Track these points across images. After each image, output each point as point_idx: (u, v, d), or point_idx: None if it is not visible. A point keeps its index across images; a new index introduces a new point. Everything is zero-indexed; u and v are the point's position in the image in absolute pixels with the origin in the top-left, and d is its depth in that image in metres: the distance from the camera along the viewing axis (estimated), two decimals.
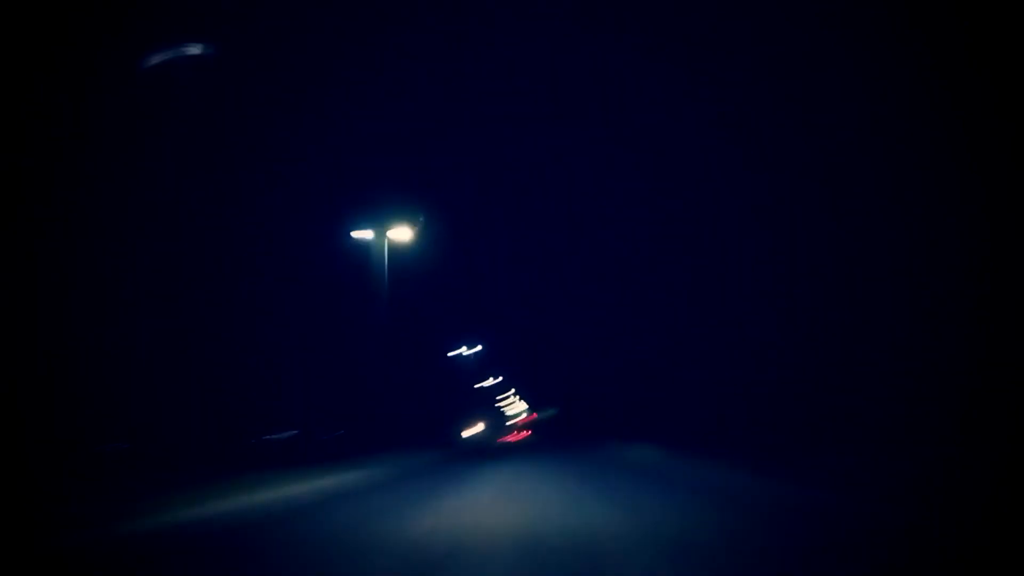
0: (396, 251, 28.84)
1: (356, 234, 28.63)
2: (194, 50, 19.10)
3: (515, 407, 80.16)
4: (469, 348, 50.97)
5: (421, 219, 28.67)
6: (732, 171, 21.99)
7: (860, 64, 15.57)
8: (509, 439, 63.18)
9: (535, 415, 71.39)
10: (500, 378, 67.99)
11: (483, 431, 57.02)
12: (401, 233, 28.42)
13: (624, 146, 32.78)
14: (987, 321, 13.17)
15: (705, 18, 20.55)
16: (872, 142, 15.93)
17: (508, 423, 72.27)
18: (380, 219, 28.43)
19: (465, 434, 50.90)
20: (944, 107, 13.66)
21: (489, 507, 9.19)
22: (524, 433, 65.93)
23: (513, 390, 78.35)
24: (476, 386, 58.39)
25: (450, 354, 48.46)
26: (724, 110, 21.74)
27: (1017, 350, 12.55)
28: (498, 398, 74.40)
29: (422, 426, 41.76)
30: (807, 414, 19.11)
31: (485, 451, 34.10)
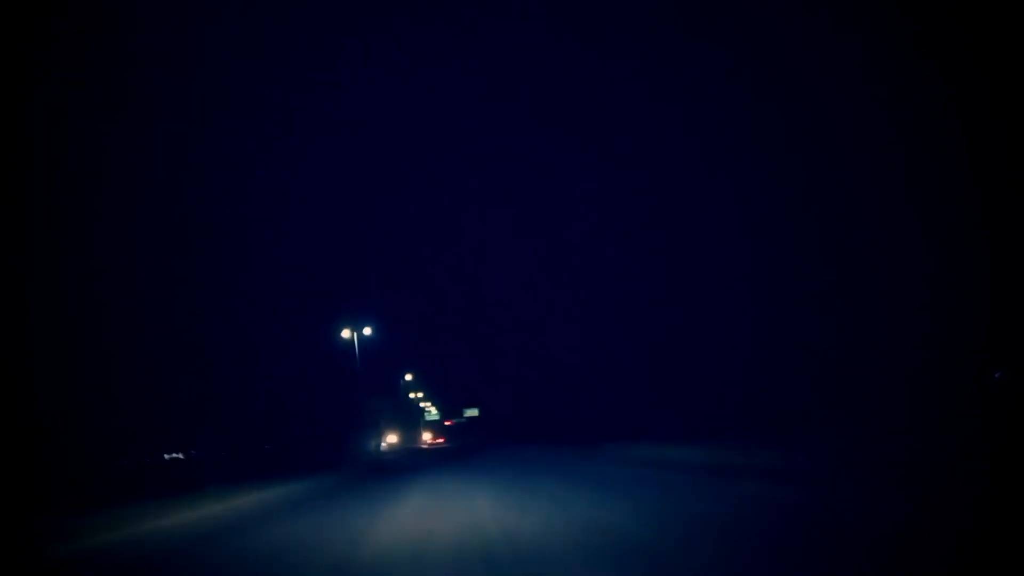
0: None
1: None
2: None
3: (430, 411, 78.15)
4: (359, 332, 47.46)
5: None
6: (703, 165, 23.17)
7: (848, 66, 15.78)
8: (424, 445, 61.43)
9: (451, 421, 69.65)
10: (417, 388, 65.78)
11: (397, 441, 54.31)
12: None
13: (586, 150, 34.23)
14: (982, 316, 13.55)
15: (694, 17, 21.25)
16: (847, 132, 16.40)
17: (423, 429, 70.20)
18: None
19: (378, 445, 48.10)
20: (940, 107, 13.87)
21: None
22: (439, 439, 64.32)
23: (423, 395, 76.26)
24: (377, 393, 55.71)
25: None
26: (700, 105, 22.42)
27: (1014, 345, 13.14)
28: (411, 402, 72.13)
29: (325, 443, 39.39)
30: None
31: (399, 463, 32.02)
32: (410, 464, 30.76)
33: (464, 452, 37.94)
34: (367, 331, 41.35)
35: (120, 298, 26.23)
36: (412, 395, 70.98)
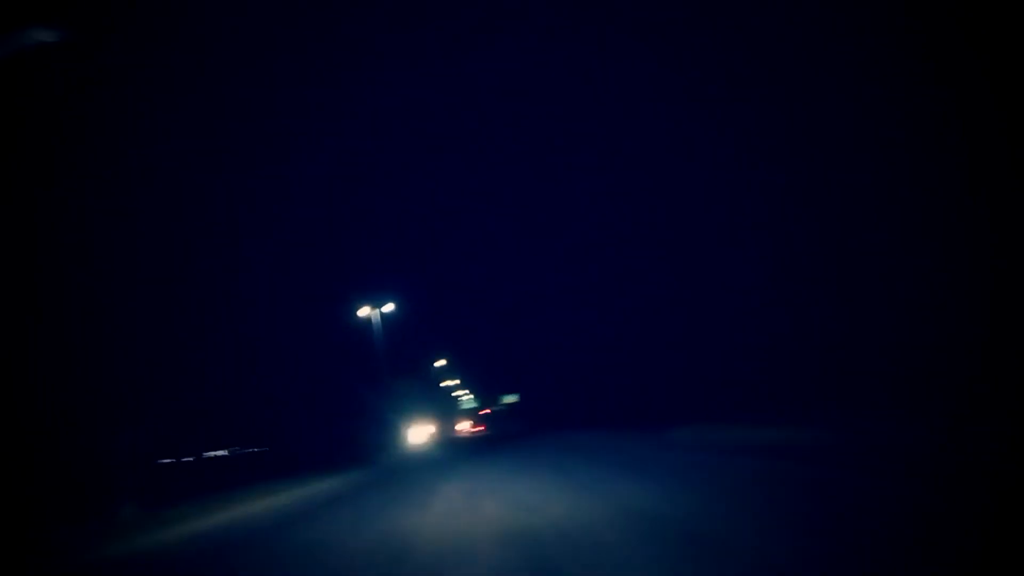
0: None
1: None
2: None
3: (466, 399, 78.16)
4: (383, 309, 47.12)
5: None
6: (718, 159, 23.15)
7: (852, 60, 15.89)
8: (463, 434, 61.52)
9: (489, 410, 69.42)
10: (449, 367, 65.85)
11: (430, 431, 54.04)
12: None
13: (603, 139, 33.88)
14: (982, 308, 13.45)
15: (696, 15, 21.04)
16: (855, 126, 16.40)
17: (459, 418, 70.30)
18: None
19: (408, 441, 47.70)
20: (940, 106, 13.95)
21: None
22: (478, 427, 64.26)
23: (459, 381, 76.12)
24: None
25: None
26: (705, 102, 22.36)
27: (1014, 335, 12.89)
28: (445, 390, 72.16)
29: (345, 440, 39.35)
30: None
31: (432, 456, 31.32)
32: (444, 457, 29.80)
33: (506, 442, 35.80)
34: (388, 307, 41.11)
35: (115, 298, 26.01)
36: (446, 382, 70.99)
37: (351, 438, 40.39)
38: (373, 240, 53.77)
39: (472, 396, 78.02)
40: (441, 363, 63.71)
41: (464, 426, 66.47)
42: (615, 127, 32.04)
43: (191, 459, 40.50)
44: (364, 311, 42.76)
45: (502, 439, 41.81)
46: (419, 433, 49.32)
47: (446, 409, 67.92)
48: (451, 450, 37.01)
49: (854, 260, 16.57)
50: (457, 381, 76.24)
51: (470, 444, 44.12)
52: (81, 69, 17.46)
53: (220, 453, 42.74)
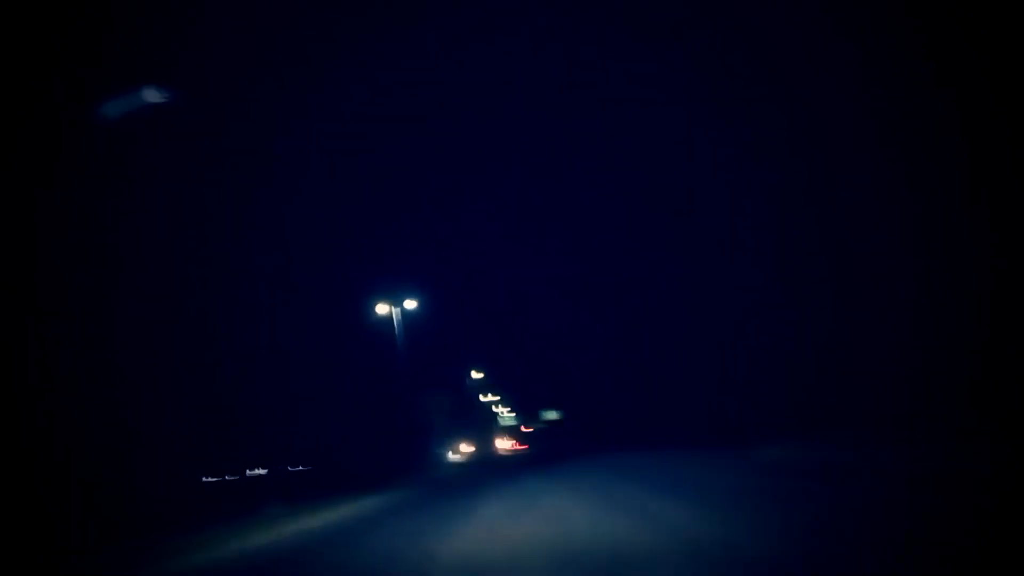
0: None
1: None
2: None
3: (505, 415, 77.70)
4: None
5: None
6: (727, 166, 23.41)
7: (859, 60, 15.92)
8: (503, 453, 61.32)
9: (531, 428, 68.94)
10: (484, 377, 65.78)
11: (468, 449, 53.97)
12: None
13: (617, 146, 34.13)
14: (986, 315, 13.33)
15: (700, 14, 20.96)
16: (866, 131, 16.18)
17: (498, 435, 70.04)
18: None
19: (447, 460, 47.60)
20: (943, 104, 13.92)
21: None
22: (521, 446, 63.95)
23: (499, 398, 75.77)
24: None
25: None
26: (718, 103, 22.28)
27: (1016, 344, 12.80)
28: (483, 405, 71.87)
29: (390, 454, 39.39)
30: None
31: (468, 479, 30.38)
32: (484, 479, 27.77)
33: (552, 464, 32.52)
34: (410, 304, 39.89)
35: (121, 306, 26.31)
36: (486, 398, 70.37)
37: (386, 459, 40.25)
38: (414, 256, 54.08)
39: (513, 413, 77.42)
40: (479, 376, 63.04)
41: (504, 444, 66.13)
42: (616, 128, 32.20)
43: (235, 478, 41.01)
44: (385, 309, 42.25)
45: (548, 460, 38.60)
46: (457, 452, 48.96)
47: (486, 426, 67.50)
48: (491, 470, 35.10)
49: (859, 262, 16.39)
50: (497, 397, 75.80)
51: (512, 465, 40.88)
52: (85, 70, 17.78)
53: (260, 472, 43.28)
